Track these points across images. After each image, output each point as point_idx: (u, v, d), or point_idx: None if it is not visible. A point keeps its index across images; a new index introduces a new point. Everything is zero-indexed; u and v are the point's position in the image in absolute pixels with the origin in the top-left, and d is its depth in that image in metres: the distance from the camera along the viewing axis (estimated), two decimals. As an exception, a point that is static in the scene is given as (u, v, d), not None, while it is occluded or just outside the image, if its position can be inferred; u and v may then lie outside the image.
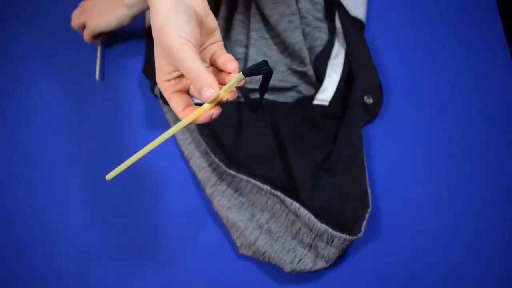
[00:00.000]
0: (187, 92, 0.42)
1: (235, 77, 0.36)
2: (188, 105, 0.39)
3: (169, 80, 0.40)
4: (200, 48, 0.41)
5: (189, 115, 0.38)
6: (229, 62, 0.39)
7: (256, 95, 0.60)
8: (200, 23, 0.39)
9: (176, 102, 0.39)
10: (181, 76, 0.40)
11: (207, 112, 0.38)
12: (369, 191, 0.52)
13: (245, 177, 0.52)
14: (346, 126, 0.56)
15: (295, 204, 0.50)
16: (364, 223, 0.49)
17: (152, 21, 0.38)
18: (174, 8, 0.37)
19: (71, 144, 0.59)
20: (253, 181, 0.52)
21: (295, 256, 0.50)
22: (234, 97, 0.38)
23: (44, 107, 0.61)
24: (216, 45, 0.42)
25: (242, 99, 0.60)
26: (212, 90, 0.36)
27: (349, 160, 0.55)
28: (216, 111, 0.38)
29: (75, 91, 0.62)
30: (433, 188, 0.56)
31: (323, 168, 0.55)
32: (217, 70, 0.41)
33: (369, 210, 0.51)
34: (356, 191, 0.53)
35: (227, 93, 0.37)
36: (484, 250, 0.53)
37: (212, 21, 0.41)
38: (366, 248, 0.53)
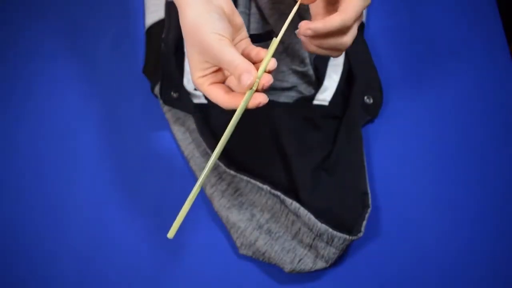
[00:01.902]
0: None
1: (271, 44, 0.38)
2: (227, 92, 0.40)
3: (205, 75, 0.40)
4: None
5: (239, 107, 0.38)
6: (261, 52, 0.40)
7: None
8: (229, 21, 0.40)
9: (216, 91, 0.40)
10: (216, 71, 0.41)
11: (254, 99, 0.38)
12: (369, 191, 0.52)
13: (245, 177, 0.52)
14: (346, 126, 0.56)
15: (295, 204, 0.50)
16: (364, 223, 0.49)
17: (184, 22, 0.39)
18: (205, 9, 0.38)
19: (70, 144, 0.59)
20: (253, 181, 0.52)
21: (295, 256, 0.50)
22: (271, 82, 0.38)
23: (44, 107, 0.61)
24: (245, 41, 0.43)
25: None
26: (251, 77, 0.36)
27: (349, 160, 0.55)
28: (263, 100, 0.38)
29: (75, 91, 0.62)
30: (433, 188, 0.56)
31: (323, 168, 0.55)
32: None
33: (369, 210, 0.51)
34: (356, 191, 0.53)
35: (264, 79, 0.38)
36: (485, 250, 0.53)
37: (238, 18, 0.42)
38: (366, 248, 0.53)
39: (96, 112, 0.60)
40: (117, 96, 0.61)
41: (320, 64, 0.60)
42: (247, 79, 0.36)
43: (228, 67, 0.37)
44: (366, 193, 0.52)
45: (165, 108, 0.58)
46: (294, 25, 0.62)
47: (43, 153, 0.58)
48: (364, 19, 0.64)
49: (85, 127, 0.59)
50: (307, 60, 0.60)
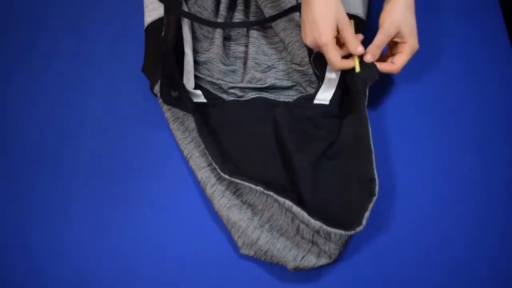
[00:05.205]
0: None
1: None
2: (343, 56, 0.55)
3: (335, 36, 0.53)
4: None
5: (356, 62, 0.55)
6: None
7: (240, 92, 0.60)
8: None
9: (338, 55, 0.53)
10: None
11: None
12: (376, 177, 0.49)
13: (238, 181, 0.51)
14: (351, 109, 0.55)
15: (288, 203, 0.48)
16: (367, 214, 0.47)
17: None
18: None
19: (70, 144, 0.58)
20: (246, 183, 0.51)
21: (298, 253, 0.49)
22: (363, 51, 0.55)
23: (43, 106, 0.61)
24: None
25: (241, 98, 0.60)
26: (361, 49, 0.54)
27: (355, 144, 0.53)
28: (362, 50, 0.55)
29: (74, 90, 0.62)
30: (437, 187, 0.55)
31: (326, 156, 0.53)
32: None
33: (374, 199, 0.48)
34: (362, 177, 0.50)
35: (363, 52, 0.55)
36: (491, 250, 0.52)
37: None
38: (371, 244, 0.52)
39: (95, 111, 0.60)
40: (116, 95, 0.61)
41: (320, 63, 0.60)
42: (361, 49, 0.55)
43: (348, 41, 0.54)
44: (373, 179, 0.49)
45: (165, 107, 0.58)
46: (294, 23, 0.62)
47: (42, 152, 0.58)
48: (365, 17, 0.63)
49: (84, 125, 0.59)
50: (307, 59, 0.60)
